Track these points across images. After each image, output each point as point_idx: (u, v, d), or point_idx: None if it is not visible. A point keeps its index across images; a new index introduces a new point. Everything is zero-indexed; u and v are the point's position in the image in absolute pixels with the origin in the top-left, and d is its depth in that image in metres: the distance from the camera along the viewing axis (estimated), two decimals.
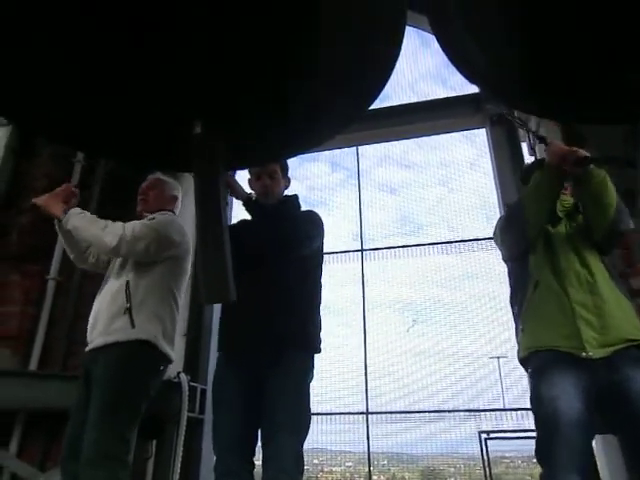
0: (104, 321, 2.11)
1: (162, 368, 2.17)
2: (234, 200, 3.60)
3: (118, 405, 1.95)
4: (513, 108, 2.32)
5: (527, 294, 1.91)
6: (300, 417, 1.85)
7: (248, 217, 2.19)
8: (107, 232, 2.16)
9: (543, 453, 1.64)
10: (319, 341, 2.01)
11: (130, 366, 2.03)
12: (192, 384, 2.84)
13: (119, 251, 2.16)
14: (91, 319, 2.21)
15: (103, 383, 1.99)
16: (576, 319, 1.75)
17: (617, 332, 1.72)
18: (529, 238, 1.93)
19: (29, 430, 2.92)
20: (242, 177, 2.26)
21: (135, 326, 2.07)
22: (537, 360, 1.81)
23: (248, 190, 2.18)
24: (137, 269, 2.21)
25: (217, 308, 3.44)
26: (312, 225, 2.13)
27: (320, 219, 2.18)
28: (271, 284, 1.99)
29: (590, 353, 1.68)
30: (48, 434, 2.88)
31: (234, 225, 2.25)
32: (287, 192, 2.28)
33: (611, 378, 1.65)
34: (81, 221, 2.21)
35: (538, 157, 1.98)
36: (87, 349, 2.15)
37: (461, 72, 1.43)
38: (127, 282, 2.16)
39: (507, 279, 2.12)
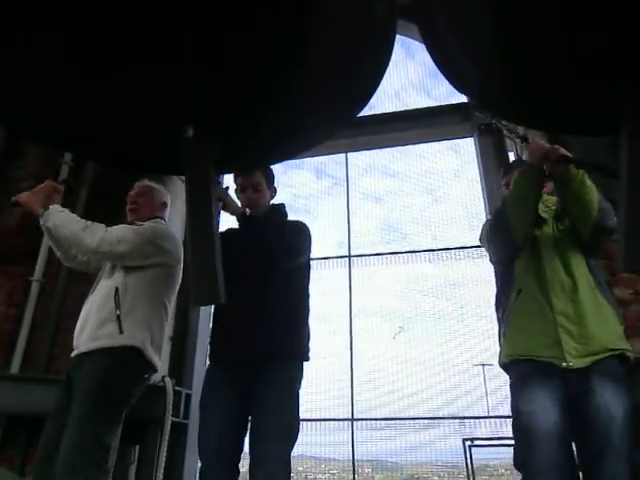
0: (92, 327, 2.08)
1: (146, 376, 2.14)
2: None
3: (100, 412, 1.92)
4: (502, 119, 2.35)
5: (510, 300, 1.91)
6: (289, 424, 1.85)
7: (236, 225, 2.17)
8: (88, 232, 2.12)
9: (521, 461, 1.69)
10: (308, 350, 2.03)
11: (115, 373, 2.00)
12: (177, 388, 2.81)
13: (99, 251, 2.12)
14: (79, 324, 2.17)
15: (87, 389, 1.95)
16: (558, 329, 1.75)
17: (597, 342, 1.73)
18: (515, 244, 1.91)
19: (8, 434, 2.86)
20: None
21: (123, 332, 2.03)
22: (517, 371, 1.83)
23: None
24: (127, 274, 2.17)
25: (203, 313, 3.43)
26: (299, 235, 2.12)
27: (307, 229, 2.17)
28: (259, 294, 1.99)
29: (570, 363, 1.70)
30: (28, 438, 2.83)
31: (222, 233, 2.23)
32: (274, 201, 2.27)
33: (579, 390, 1.67)
34: (61, 219, 2.16)
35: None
36: (73, 354, 2.11)
37: (451, 82, 1.45)
38: (116, 289, 2.12)
39: (494, 281, 2.12)
